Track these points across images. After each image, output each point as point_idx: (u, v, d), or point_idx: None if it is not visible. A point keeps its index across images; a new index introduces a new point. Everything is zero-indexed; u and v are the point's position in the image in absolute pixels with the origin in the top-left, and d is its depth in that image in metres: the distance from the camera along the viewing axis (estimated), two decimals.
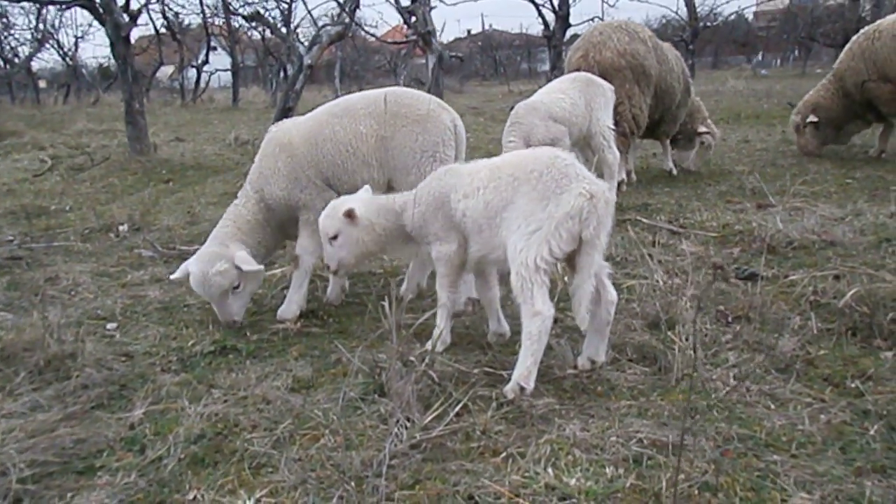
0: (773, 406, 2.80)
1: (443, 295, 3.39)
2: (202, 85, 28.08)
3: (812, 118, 8.12)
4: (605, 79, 6.16)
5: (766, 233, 4.95)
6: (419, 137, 3.99)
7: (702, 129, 7.79)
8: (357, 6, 8.61)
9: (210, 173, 9.35)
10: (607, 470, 2.37)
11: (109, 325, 4.04)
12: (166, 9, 22.19)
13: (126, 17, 10.02)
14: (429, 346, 3.17)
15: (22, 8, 22.81)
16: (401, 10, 7.93)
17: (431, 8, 7.28)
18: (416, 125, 4.04)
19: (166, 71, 31.45)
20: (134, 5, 11.07)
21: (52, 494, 2.42)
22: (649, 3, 15.20)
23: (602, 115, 5.88)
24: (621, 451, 2.47)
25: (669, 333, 3.29)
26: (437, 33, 7.39)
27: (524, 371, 2.88)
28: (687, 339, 3.20)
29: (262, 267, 4.06)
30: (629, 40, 6.69)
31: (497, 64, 36.72)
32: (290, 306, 4.13)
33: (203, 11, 23.49)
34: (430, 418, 2.69)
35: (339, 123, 4.11)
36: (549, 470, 2.37)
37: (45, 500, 2.39)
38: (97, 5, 9.92)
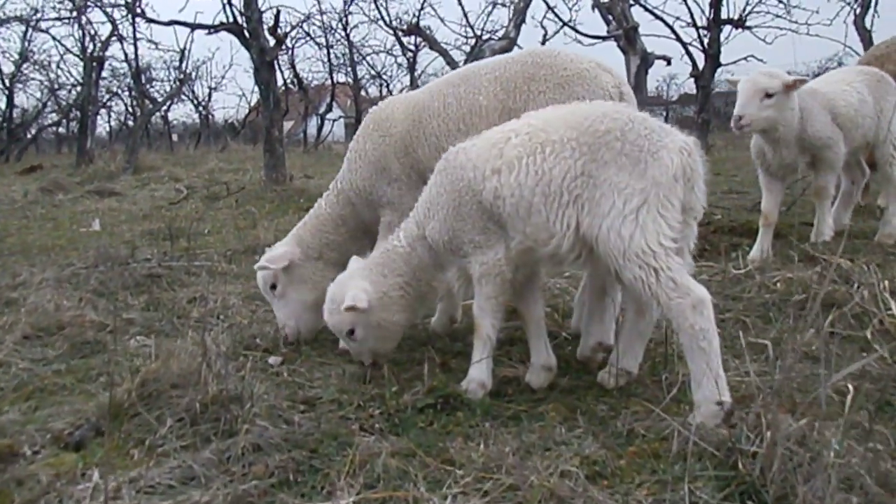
0: None
1: (485, 323, 2.49)
2: (324, 133, 28.55)
3: None
4: None
5: None
6: None
7: None
8: (523, 20, 7.71)
9: None
10: None
11: (272, 359, 3.02)
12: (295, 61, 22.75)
13: (272, 41, 9.67)
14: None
15: (164, 61, 24.23)
16: (599, 6, 6.95)
17: (631, 5, 6.22)
18: (558, 90, 2.82)
19: (285, 126, 32.53)
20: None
21: None
22: (819, 37, 13.47)
23: (895, 122, 4.48)
24: None
25: None
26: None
27: (713, 382, 2.09)
28: None
29: (276, 261, 3.20)
30: None
31: None
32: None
33: (330, 62, 24.04)
34: None
35: (454, 94, 2.98)
36: None
37: None
38: (244, 29, 9.64)
